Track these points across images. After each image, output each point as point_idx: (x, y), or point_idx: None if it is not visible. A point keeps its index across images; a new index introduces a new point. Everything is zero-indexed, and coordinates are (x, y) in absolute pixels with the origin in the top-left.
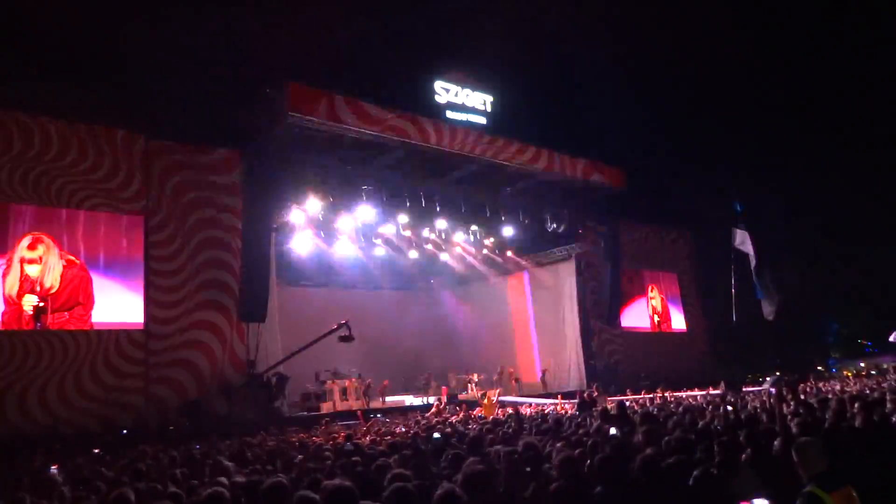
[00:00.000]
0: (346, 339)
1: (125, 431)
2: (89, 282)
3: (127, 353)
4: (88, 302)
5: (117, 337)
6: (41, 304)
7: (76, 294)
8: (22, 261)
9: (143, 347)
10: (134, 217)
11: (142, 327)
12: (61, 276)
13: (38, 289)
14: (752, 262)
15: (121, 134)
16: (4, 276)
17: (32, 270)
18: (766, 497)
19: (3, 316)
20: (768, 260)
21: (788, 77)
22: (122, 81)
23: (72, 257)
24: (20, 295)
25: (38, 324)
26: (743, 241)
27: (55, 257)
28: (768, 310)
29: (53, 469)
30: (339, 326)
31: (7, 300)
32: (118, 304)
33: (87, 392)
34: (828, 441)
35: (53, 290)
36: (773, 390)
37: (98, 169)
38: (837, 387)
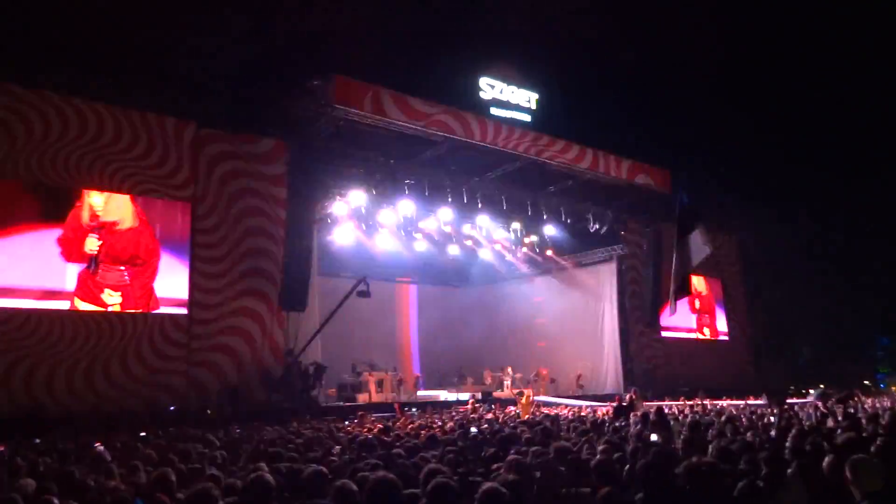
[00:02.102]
0: (364, 294)
1: (172, 408)
2: (156, 247)
3: (171, 336)
4: (151, 261)
5: (162, 320)
6: (97, 251)
7: (137, 251)
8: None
9: (186, 331)
10: (182, 203)
11: (186, 311)
12: (127, 233)
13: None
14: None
15: (171, 122)
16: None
17: (97, 202)
18: None
19: (64, 249)
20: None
21: (848, 76)
22: (173, 70)
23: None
24: (84, 233)
25: (91, 267)
26: (703, 240)
27: (126, 201)
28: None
29: (98, 446)
30: (359, 282)
31: (69, 238)
32: (170, 284)
33: (132, 372)
34: (883, 459)
35: (116, 229)
36: (819, 403)
37: (149, 155)
38: (887, 403)
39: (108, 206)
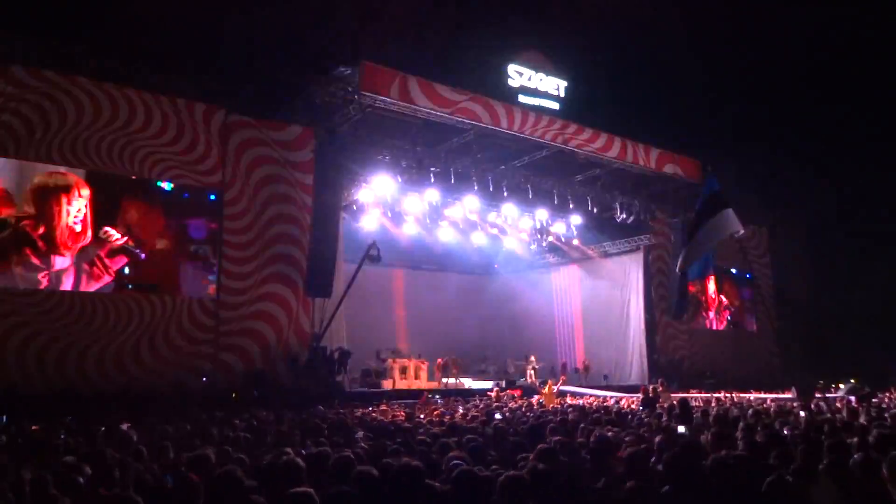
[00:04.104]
0: (374, 259)
1: (205, 379)
2: (178, 282)
3: (199, 320)
4: (175, 295)
5: (190, 304)
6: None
7: (163, 277)
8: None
9: (214, 316)
10: (211, 190)
11: (214, 296)
12: (157, 254)
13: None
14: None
15: (200, 107)
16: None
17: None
18: None
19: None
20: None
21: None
22: (203, 56)
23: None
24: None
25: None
26: (731, 221)
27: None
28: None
29: (125, 427)
30: (370, 248)
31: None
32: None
33: (161, 355)
34: None
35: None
36: (852, 398)
37: (178, 141)
38: None
39: (141, 224)
